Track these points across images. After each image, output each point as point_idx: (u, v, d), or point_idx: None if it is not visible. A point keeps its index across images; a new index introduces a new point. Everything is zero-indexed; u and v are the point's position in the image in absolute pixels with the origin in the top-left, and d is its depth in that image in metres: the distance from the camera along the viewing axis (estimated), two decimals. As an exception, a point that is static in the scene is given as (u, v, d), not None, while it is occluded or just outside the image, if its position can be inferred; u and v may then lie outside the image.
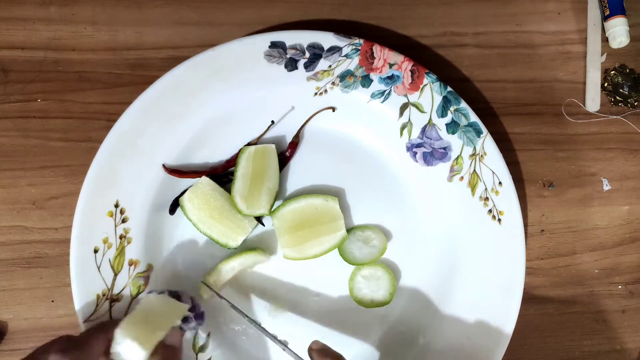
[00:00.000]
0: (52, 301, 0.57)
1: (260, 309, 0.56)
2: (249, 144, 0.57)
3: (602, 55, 0.64)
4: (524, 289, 0.59)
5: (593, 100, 0.63)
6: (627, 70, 0.63)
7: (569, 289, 0.59)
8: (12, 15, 0.61)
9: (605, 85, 0.63)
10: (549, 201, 0.61)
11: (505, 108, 0.62)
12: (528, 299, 0.59)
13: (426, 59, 0.63)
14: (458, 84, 0.62)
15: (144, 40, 0.62)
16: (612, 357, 0.58)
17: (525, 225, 0.60)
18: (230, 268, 0.55)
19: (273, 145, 0.56)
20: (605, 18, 0.63)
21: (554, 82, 0.63)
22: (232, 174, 0.56)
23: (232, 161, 0.57)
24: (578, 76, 0.64)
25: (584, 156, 0.62)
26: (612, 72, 0.63)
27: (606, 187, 0.62)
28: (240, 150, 0.56)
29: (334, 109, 0.58)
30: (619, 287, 0.60)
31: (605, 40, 0.64)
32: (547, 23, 0.64)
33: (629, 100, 0.63)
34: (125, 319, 0.47)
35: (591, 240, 0.60)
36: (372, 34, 0.60)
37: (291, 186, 0.58)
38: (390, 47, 0.57)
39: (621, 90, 0.63)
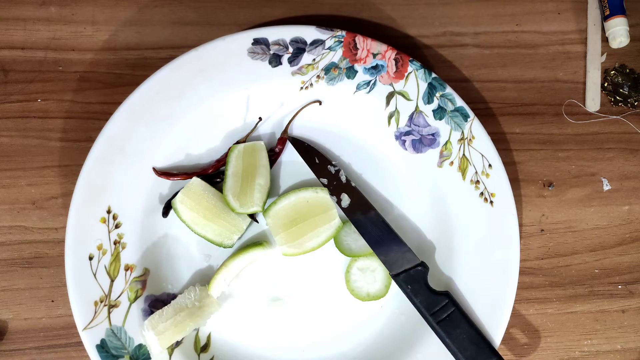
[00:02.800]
0: (52, 301, 0.57)
1: (259, 301, 0.57)
2: (237, 142, 0.57)
3: (602, 55, 0.64)
4: (524, 288, 0.59)
5: (593, 100, 0.63)
6: (627, 70, 0.63)
7: (569, 289, 0.59)
8: (12, 15, 0.61)
9: (605, 85, 0.63)
10: (549, 201, 0.61)
11: (505, 108, 0.62)
12: (528, 299, 0.59)
13: (426, 59, 0.63)
14: (458, 84, 0.62)
15: (143, 40, 0.62)
16: (612, 357, 0.58)
17: (526, 225, 0.60)
18: (238, 264, 0.55)
19: (262, 142, 0.57)
20: (605, 18, 0.63)
21: (554, 82, 0.63)
22: (223, 173, 0.56)
23: (223, 160, 0.57)
24: (578, 76, 0.64)
25: (584, 156, 0.62)
26: (612, 72, 0.63)
27: (606, 187, 0.62)
28: (229, 149, 0.56)
29: (320, 103, 0.58)
30: (619, 287, 0.60)
31: (605, 40, 0.64)
32: (547, 23, 0.64)
33: (629, 100, 0.63)
34: (158, 312, 0.52)
35: (591, 240, 0.60)
36: (372, 34, 0.60)
37: (283, 182, 0.58)
38: (391, 47, 0.57)
39: (621, 90, 0.63)
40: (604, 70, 0.64)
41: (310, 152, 0.57)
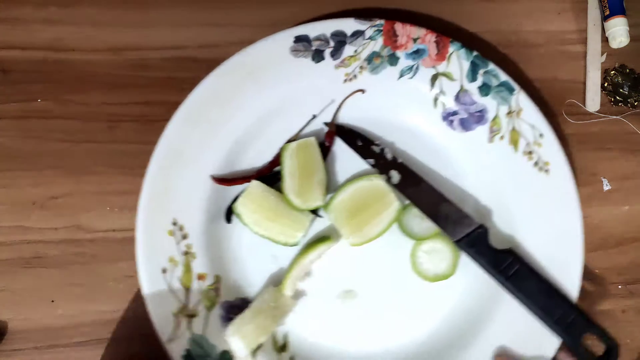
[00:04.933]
0: (52, 301, 0.57)
1: (331, 295, 0.57)
2: (289, 141, 0.58)
3: (602, 55, 0.64)
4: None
5: (593, 100, 0.63)
6: (627, 70, 0.63)
7: (569, 289, 0.59)
8: (12, 15, 0.61)
9: (605, 85, 0.63)
10: (549, 201, 0.61)
11: (505, 108, 0.63)
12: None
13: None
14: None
15: (144, 40, 0.62)
16: (612, 357, 0.58)
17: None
18: (307, 261, 0.55)
19: (313, 138, 0.57)
20: (605, 18, 0.64)
21: (554, 82, 0.63)
22: (279, 173, 0.56)
23: (276, 161, 0.57)
24: (578, 76, 0.64)
25: (584, 156, 0.62)
26: (612, 72, 0.63)
27: (606, 187, 0.62)
28: (282, 149, 0.57)
29: (363, 91, 0.58)
30: (619, 287, 0.60)
31: (605, 40, 0.64)
32: (547, 23, 0.64)
33: (629, 100, 0.63)
34: (239, 316, 0.52)
35: (591, 240, 0.60)
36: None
37: (337, 175, 0.59)
38: (430, 30, 0.58)
39: (621, 90, 0.63)
40: (604, 70, 0.64)
41: (352, 135, 0.58)
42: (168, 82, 0.60)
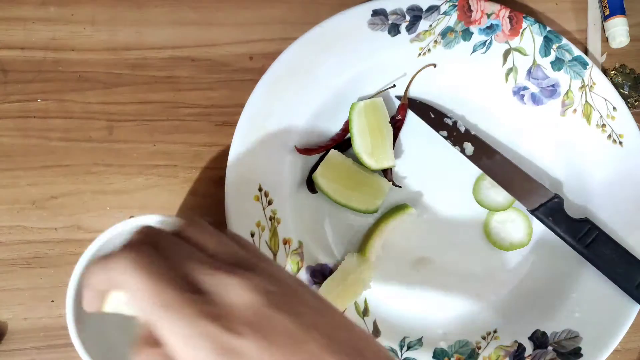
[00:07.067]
0: (52, 301, 0.57)
1: (405, 263, 0.58)
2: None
3: (602, 55, 0.64)
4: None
5: (593, 100, 0.63)
6: (627, 70, 0.63)
7: (569, 288, 0.59)
8: (12, 15, 0.61)
9: (605, 85, 0.63)
10: (549, 201, 0.61)
11: (505, 108, 0.62)
12: (528, 298, 0.59)
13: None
14: (458, 84, 0.62)
15: (143, 40, 0.61)
16: (612, 357, 0.58)
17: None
18: (386, 229, 0.56)
19: (381, 98, 0.58)
20: (605, 18, 0.63)
21: (554, 82, 0.63)
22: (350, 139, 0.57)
23: (347, 127, 0.58)
24: (578, 76, 0.64)
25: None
26: (612, 72, 0.63)
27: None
28: (350, 108, 0.57)
29: (434, 65, 0.59)
30: (619, 287, 0.60)
31: (605, 40, 0.64)
32: (547, 23, 0.64)
33: (629, 100, 0.62)
34: (329, 277, 0.54)
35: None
36: None
37: (409, 148, 0.60)
38: (504, 6, 0.58)
39: (621, 90, 0.62)
40: (604, 70, 0.64)
41: (424, 108, 0.59)
42: (167, 82, 0.60)
